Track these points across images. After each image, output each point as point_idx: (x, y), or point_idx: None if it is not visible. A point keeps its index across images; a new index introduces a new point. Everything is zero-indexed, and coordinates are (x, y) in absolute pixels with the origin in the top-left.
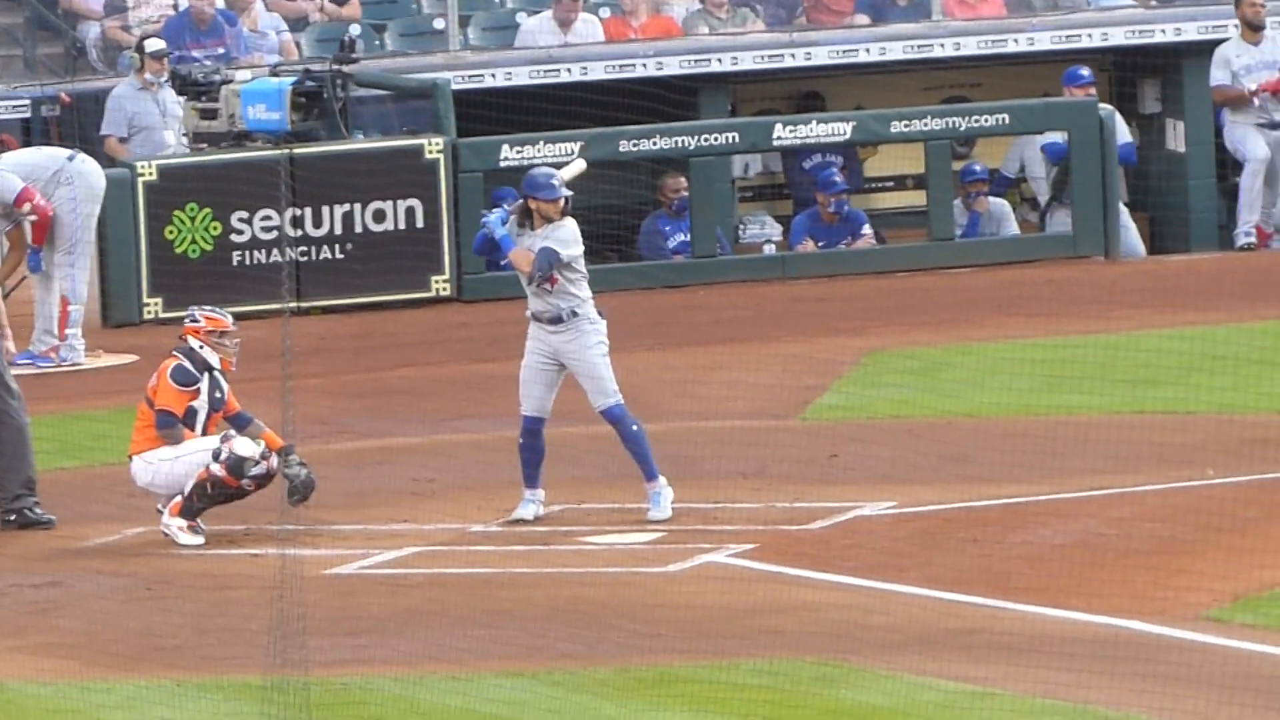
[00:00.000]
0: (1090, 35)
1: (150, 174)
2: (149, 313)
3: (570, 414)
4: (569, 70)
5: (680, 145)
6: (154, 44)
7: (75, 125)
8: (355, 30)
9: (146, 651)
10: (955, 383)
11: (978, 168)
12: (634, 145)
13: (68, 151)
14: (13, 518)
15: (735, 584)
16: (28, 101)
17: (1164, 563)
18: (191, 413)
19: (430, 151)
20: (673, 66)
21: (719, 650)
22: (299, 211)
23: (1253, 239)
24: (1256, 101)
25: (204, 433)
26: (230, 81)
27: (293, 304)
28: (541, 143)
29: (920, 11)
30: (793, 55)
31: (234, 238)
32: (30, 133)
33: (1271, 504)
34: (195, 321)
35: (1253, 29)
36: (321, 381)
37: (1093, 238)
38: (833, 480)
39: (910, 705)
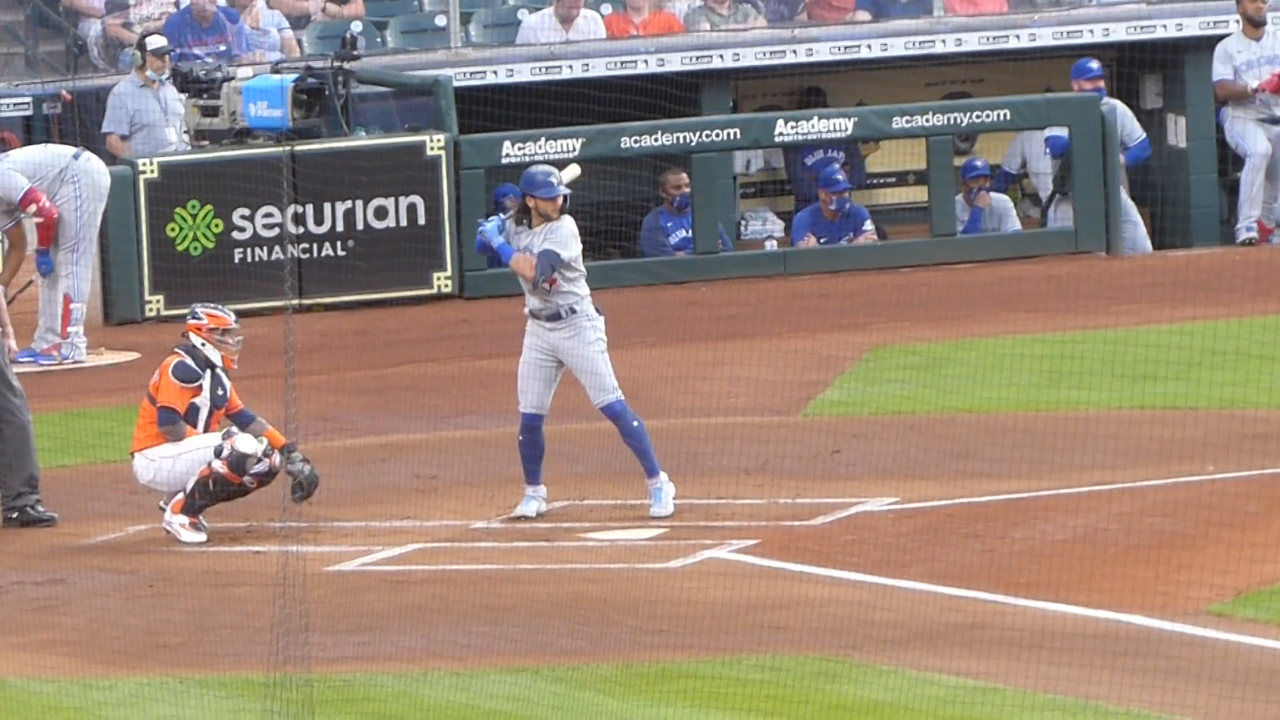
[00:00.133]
0: (1092, 31)
1: (152, 171)
2: (151, 310)
3: (571, 410)
4: (570, 67)
5: (682, 141)
6: (155, 41)
7: (76, 123)
8: (357, 27)
9: (148, 649)
10: (957, 378)
11: (979, 163)
12: (635, 141)
13: (73, 150)
14: (15, 515)
15: (737, 579)
16: (29, 99)
17: (1166, 558)
18: (194, 410)
19: (432, 148)
20: (674, 63)
21: (721, 646)
22: (301, 209)
23: (1254, 234)
24: (1258, 99)
25: (206, 430)
26: (232, 79)
27: (295, 301)
28: (543, 139)
29: (922, 7)
30: (794, 51)
31: (236, 235)
32: (32, 130)
33: (1273, 499)
34: (197, 319)
35: (1254, 25)
36: (324, 378)
37: (1094, 233)
38: (835, 476)
39: (913, 700)
